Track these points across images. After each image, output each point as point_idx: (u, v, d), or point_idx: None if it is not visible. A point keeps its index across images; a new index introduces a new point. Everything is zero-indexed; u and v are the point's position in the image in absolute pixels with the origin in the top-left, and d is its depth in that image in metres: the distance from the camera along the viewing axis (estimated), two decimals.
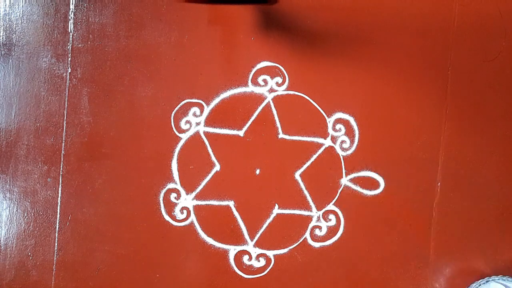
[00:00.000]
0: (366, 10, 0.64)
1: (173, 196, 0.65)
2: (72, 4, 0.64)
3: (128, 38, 0.64)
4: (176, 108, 0.64)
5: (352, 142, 0.65)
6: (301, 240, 0.66)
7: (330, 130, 0.65)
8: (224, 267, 0.65)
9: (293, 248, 0.66)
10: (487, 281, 0.63)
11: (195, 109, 0.65)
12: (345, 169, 0.65)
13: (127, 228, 0.65)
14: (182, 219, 0.65)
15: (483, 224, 0.66)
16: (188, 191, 0.65)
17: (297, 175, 0.65)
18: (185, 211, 0.65)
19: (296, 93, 0.65)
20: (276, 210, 0.65)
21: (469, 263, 0.66)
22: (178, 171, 0.65)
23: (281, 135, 0.65)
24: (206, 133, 0.65)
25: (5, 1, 0.64)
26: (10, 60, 0.64)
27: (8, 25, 0.64)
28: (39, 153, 0.64)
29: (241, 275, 0.66)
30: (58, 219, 0.65)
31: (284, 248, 0.66)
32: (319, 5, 0.64)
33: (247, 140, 0.65)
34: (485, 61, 0.65)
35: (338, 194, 0.65)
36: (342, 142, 0.65)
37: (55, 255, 0.65)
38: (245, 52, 0.64)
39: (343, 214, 0.65)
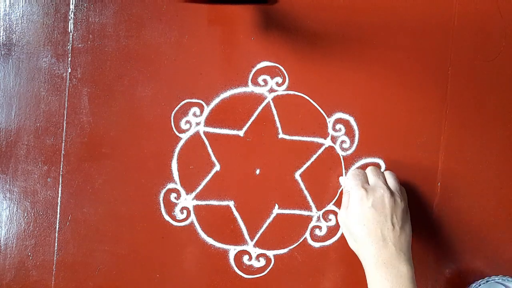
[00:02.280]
0: (366, 10, 0.64)
1: (173, 196, 0.65)
2: (72, 4, 0.64)
3: (128, 38, 0.64)
4: (176, 108, 0.64)
5: (352, 142, 0.65)
6: (301, 240, 0.66)
7: (330, 130, 0.65)
8: (224, 267, 0.65)
9: (293, 248, 0.66)
10: (487, 281, 0.63)
11: (195, 109, 0.65)
12: (345, 169, 0.65)
13: (127, 228, 0.65)
14: (182, 219, 0.65)
15: (483, 224, 0.66)
16: (188, 191, 0.65)
17: (297, 175, 0.65)
18: (185, 211, 0.65)
19: (296, 93, 0.65)
20: (276, 210, 0.65)
21: (469, 263, 0.66)
22: (178, 171, 0.65)
23: (281, 135, 0.65)
24: (206, 133, 0.65)
25: (5, 1, 0.64)
26: (10, 60, 0.64)
27: (8, 25, 0.64)
28: (39, 153, 0.64)
29: (241, 275, 0.66)
30: (58, 219, 0.65)
31: (284, 248, 0.66)
32: (319, 5, 0.64)
33: (247, 140, 0.65)
34: (485, 61, 0.65)
35: (338, 194, 0.65)
36: (342, 142, 0.65)
37: (55, 255, 0.65)
38: (245, 52, 0.64)
39: None
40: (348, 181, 0.61)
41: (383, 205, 0.57)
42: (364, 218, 0.56)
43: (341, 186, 0.65)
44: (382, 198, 0.57)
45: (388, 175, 0.62)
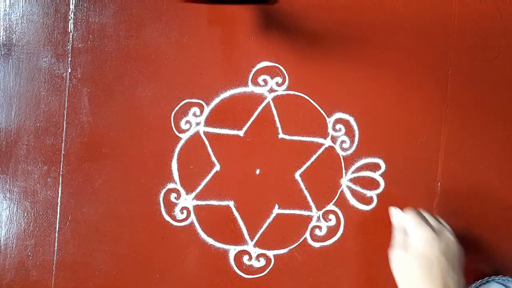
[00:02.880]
0: (366, 10, 0.64)
1: (173, 196, 0.65)
2: (72, 4, 0.64)
3: (128, 38, 0.64)
4: (176, 108, 0.64)
5: (352, 142, 0.65)
6: (301, 240, 0.66)
7: (330, 130, 0.65)
8: (224, 267, 0.65)
9: (293, 248, 0.66)
10: (487, 281, 0.63)
11: (195, 109, 0.65)
12: (345, 169, 0.65)
13: (127, 228, 0.65)
14: (182, 219, 0.65)
15: (483, 224, 0.66)
16: (188, 191, 0.65)
17: (297, 175, 0.65)
18: (185, 211, 0.65)
19: (296, 93, 0.65)
20: (276, 210, 0.65)
21: (469, 263, 0.66)
22: (178, 171, 0.65)
23: (281, 135, 0.65)
24: (206, 133, 0.65)
25: (5, 1, 0.64)
26: (10, 60, 0.64)
27: (8, 25, 0.64)
28: (39, 153, 0.64)
29: (241, 275, 0.66)
30: (58, 219, 0.65)
31: (284, 248, 0.66)
32: (319, 5, 0.64)
33: (247, 140, 0.65)
34: (485, 61, 0.65)
35: (338, 194, 0.65)
36: (342, 142, 0.65)
37: (55, 255, 0.65)
38: (245, 52, 0.64)
39: (343, 214, 0.65)
40: (407, 218, 0.54)
41: (452, 252, 0.51)
42: (429, 262, 0.49)
43: (341, 186, 0.65)
44: (451, 244, 0.52)
45: (445, 223, 0.56)
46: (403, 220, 0.55)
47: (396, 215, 0.57)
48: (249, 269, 0.66)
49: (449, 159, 0.66)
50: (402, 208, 0.66)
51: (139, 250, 0.65)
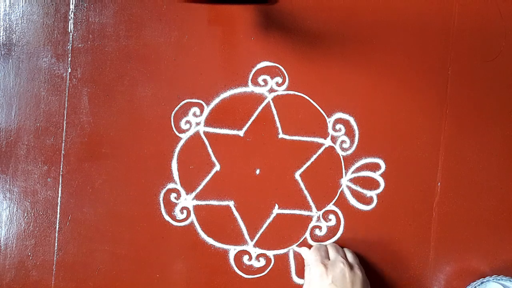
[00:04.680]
0: (366, 10, 0.64)
1: (173, 196, 0.65)
2: (72, 4, 0.64)
3: (128, 38, 0.64)
4: (176, 108, 0.64)
5: (352, 142, 0.65)
6: (301, 240, 0.66)
7: (330, 130, 0.65)
8: (224, 267, 0.65)
9: (293, 248, 0.66)
10: (487, 281, 0.63)
11: (195, 109, 0.65)
12: (345, 169, 0.65)
13: (127, 228, 0.65)
14: (182, 219, 0.65)
15: (483, 224, 0.66)
16: (188, 191, 0.65)
17: (297, 175, 0.65)
18: (185, 211, 0.65)
19: (296, 93, 0.65)
20: (276, 210, 0.65)
21: (469, 263, 0.66)
22: (178, 171, 0.65)
23: (281, 135, 0.65)
24: (206, 133, 0.65)
25: (5, 1, 0.64)
26: (10, 60, 0.64)
27: (8, 25, 0.64)
28: (39, 153, 0.64)
29: (241, 275, 0.66)
30: (58, 219, 0.65)
31: (284, 248, 0.66)
32: (319, 5, 0.64)
33: (247, 140, 0.65)
34: (485, 61, 0.65)
35: (338, 194, 0.65)
36: (342, 142, 0.65)
37: (55, 255, 0.65)
38: (245, 52, 0.64)
39: (343, 214, 0.65)
40: (309, 255, 0.61)
41: (344, 279, 0.57)
42: None
43: (341, 186, 0.65)
44: (343, 272, 0.57)
45: (347, 251, 0.63)
46: (306, 258, 0.63)
47: (303, 253, 0.64)
48: (249, 269, 0.66)
49: (449, 159, 0.66)
50: (401, 208, 0.66)
51: (139, 250, 0.65)
